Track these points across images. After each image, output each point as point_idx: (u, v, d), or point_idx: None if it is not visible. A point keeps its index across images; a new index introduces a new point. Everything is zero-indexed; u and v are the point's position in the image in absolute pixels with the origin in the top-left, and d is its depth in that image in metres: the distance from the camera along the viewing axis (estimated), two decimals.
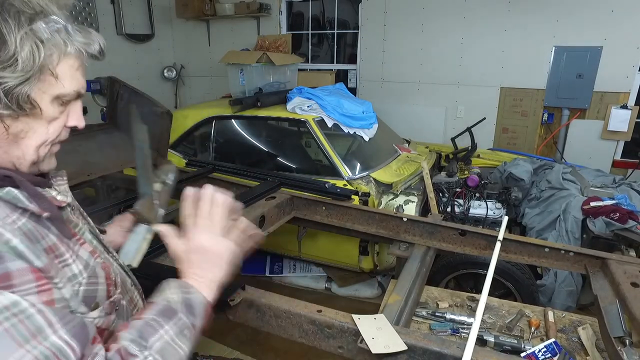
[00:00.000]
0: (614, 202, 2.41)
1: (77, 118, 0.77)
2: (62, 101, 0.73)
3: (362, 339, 1.18)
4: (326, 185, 2.51)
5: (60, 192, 0.81)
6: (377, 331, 1.19)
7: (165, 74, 6.22)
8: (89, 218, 0.92)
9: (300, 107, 3.24)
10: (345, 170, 2.91)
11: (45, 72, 0.67)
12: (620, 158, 4.16)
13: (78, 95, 0.75)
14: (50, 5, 0.68)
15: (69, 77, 0.71)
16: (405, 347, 1.16)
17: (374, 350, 1.15)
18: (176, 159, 3.33)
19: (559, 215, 2.55)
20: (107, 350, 0.68)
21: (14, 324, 0.57)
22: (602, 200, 2.45)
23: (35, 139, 0.71)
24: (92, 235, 0.87)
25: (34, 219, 0.70)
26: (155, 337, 0.71)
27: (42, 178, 0.79)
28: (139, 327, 0.72)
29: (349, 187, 2.77)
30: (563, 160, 4.10)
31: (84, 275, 0.74)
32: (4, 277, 0.59)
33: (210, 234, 0.84)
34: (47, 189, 0.78)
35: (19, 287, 0.60)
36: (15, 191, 0.69)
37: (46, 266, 0.65)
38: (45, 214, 0.71)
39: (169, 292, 0.78)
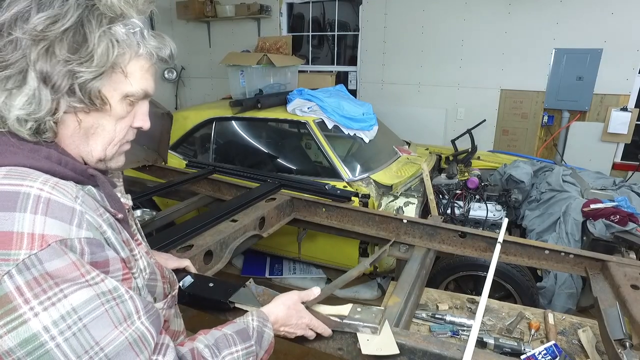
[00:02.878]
0: (614, 204, 2.40)
1: (143, 119, 0.80)
2: (130, 100, 0.75)
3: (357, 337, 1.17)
4: (326, 186, 2.51)
5: (123, 194, 0.85)
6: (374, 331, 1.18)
7: (166, 75, 6.23)
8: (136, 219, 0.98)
9: (300, 109, 3.24)
10: (345, 171, 2.91)
11: (116, 69, 0.71)
12: (621, 160, 4.17)
13: (145, 96, 0.78)
14: (130, 10, 0.72)
15: (139, 77, 0.75)
16: (397, 352, 1.16)
17: (365, 351, 1.15)
18: (176, 160, 3.34)
19: (559, 218, 2.55)
20: (181, 345, 0.79)
21: (112, 306, 0.65)
22: (602, 202, 2.45)
23: (103, 136, 0.75)
24: (141, 237, 0.91)
25: (111, 213, 0.75)
26: (227, 351, 0.82)
27: (111, 179, 0.82)
28: (217, 337, 0.84)
29: (349, 188, 2.76)
30: (563, 162, 4.10)
31: (147, 271, 0.82)
32: (105, 263, 0.68)
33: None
34: (114, 189, 0.81)
35: (112, 273, 0.69)
36: (94, 190, 0.74)
37: (128, 257, 0.74)
38: (120, 216, 0.76)
39: (250, 318, 0.94)
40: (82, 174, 0.73)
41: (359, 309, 1.21)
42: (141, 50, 0.74)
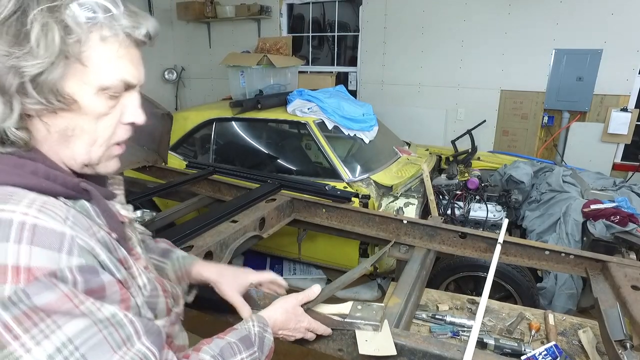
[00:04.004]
0: (614, 204, 2.40)
1: (134, 113, 0.70)
2: (110, 94, 0.66)
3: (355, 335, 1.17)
4: (326, 187, 2.51)
5: (123, 205, 0.79)
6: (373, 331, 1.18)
7: (166, 76, 6.23)
8: (136, 226, 0.91)
9: (300, 109, 3.24)
10: (345, 172, 2.91)
11: (71, 59, 0.60)
12: (621, 161, 4.17)
13: (127, 86, 0.68)
14: None
15: (111, 65, 0.64)
16: (394, 353, 1.15)
17: (362, 351, 1.14)
18: (177, 161, 3.34)
19: (559, 218, 2.55)
20: (186, 357, 0.77)
21: (111, 332, 0.62)
22: (602, 203, 2.45)
23: (83, 138, 0.66)
24: (141, 250, 0.85)
25: (105, 231, 0.69)
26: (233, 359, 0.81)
27: (108, 190, 0.76)
28: (221, 347, 0.82)
29: (349, 189, 2.76)
30: (563, 162, 4.09)
31: (147, 288, 0.76)
32: (100, 288, 0.62)
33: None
34: (112, 201, 0.76)
35: (109, 297, 0.64)
36: (87, 205, 0.68)
37: (124, 278, 0.68)
38: (114, 235, 0.70)
39: (251, 324, 0.92)
40: (74, 189, 0.66)
41: (359, 307, 1.21)
42: (106, 32, 0.62)
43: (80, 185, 0.67)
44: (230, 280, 1.10)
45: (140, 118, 0.71)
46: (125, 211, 0.78)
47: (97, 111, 0.65)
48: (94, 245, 0.63)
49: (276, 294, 1.23)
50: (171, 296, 0.86)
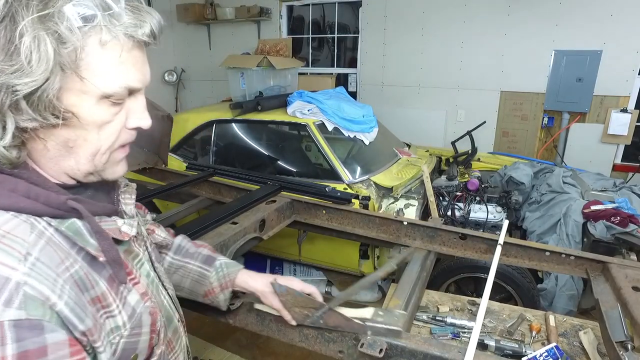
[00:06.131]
0: (614, 205, 2.40)
1: (140, 117, 0.65)
2: (113, 101, 0.60)
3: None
4: (326, 189, 2.51)
5: (127, 219, 0.71)
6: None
7: (166, 78, 6.24)
8: (149, 242, 0.83)
9: (300, 111, 3.24)
10: (345, 174, 2.91)
11: (67, 70, 0.55)
12: (621, 162, 4.17)
13: (131, 91, 0.62)
14: None
15: (111, 72, 0.58)
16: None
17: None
18: (177, 163, 3.34)
19: (560, 219, 2.55)
20: None
21: None
22: (602, 203, 2.45)
23: (86, 148, 0.61)
24: (150, 266, 0.77)
25: (89, 258, 0.62)
26: None
27: (107, 205, 0.69)
28: None
29: (349, 190, 2.76)
30: (563, 163, 4.09)
31: (127, 327, 0.66)
32: (39, 351, 0.51)
33: None
34: (114, 217, 0.68)
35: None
36: (78, 223, 0.61)
37: (90, 329, 0.57)
38: (102, 258, 0.62)
39: None
40: (60, 207, 0.59)
41: (380, 313, 1.21)
42: (105, 36, 0.56)
43: (67, 204, 0.60)
44: None
45: (146, 122, 0.66)
46: (128, 227, 0.69)
47: (100, 120, 0.60)
48: (51, 292, 0.53)
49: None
50: (158, 333, 0.73)
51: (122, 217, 0.71)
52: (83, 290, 0.58)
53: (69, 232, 0.60)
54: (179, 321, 0.84)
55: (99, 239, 0.62)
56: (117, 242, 0.68)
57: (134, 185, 0.77)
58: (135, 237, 0.74)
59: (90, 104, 0.58)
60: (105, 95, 0.59)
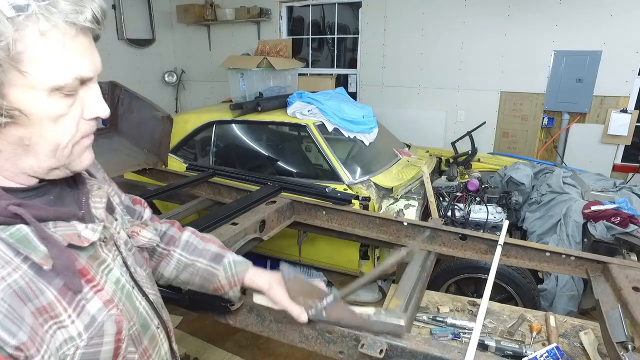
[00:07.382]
0: (614, 206, 2.40)
1: (96, 107, 0.62)
2: (65, 93, 0.57)
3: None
4: (326, 189, 2.51)
5: (90, 224, 0.66)
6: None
7: (166, 79, 6.25)
8: (129, 245, 0.79)
9: (300, 112, 3.24)
10: (345, 174, 2.91)
11: (6, 65, 0.51)
12: (621, 162, 4.17)
13: (83, 81, 0.59)
14: None
15: (57, 62, 0.55)
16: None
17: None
18: (177, 163, 3.34)
19: (560, 220, 2.55)
20: None
21: None
22: (602, 204, 2.45)
23: (44, 144, 0.58)
24: (122, 271, 0.73)
25: (37, 267, 0.58)
26: None
27: (58, 209, 0.64)
28: None
29: (349, 191, 2.76)
30: (563, 164, 4.10)
31: (83, 337, 0.62)
32: None
33: None
34: (73, 221, 0.64)
35: None
36: (26, 229, 0.58)
37: (26, 343, 0.53)
38: (46, 267, 0.57)
39: None
40: (1, 213, 0.56)
41: (383, 312, 1.21)
42: (43, 25, 0.52)
43: (8, 210, 0.56)
44: (282, 287, 1.06)
45: (104, 111, 0.63)
46: (90, 232, 0.65)
47: (54, 114, 0.57)
48: None
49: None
50: (124, 341, 0.69)
51: (86, 222, 0.67)
52: (25, 301, 0.55)
53: (11, 239, 0.56)
54: (157, 327, 0.80)
55: (47, 245, 0.58)
56: (79, 248, 0.64)
57: (106, 188, 0.75)
58: (104, 241, 0.70)
59: (41, 99, 0.55)
60: (55, 87, 0.56)
